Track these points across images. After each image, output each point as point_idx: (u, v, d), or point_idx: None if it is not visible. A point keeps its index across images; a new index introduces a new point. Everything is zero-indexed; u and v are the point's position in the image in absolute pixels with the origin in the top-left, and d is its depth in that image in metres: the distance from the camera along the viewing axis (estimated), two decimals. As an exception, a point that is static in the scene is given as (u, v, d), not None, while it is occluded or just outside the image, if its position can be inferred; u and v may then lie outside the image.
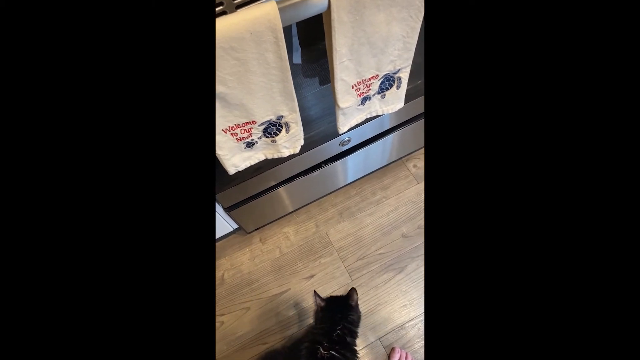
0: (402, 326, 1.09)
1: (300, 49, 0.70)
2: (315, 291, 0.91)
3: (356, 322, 0.88)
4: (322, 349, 0.79)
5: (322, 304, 0.89)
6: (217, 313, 1.16)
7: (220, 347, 1.11)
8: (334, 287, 1.16)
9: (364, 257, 1.20)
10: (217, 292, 1.20)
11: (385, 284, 1.15)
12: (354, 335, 0.86)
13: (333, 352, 0.79)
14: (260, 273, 1.21)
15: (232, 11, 0.50)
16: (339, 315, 0.85)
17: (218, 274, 1.22)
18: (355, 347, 0.85)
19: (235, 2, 0.49)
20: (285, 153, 0.73)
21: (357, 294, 0.89)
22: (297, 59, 0.71)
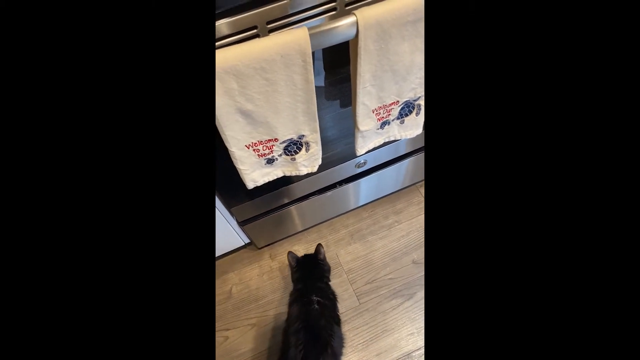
0: (408, 355, 1.06)
1: (324, 73, 0.72)
2: (289, 252, 1.04)
3: (327, 273, 1.04)
4: (316, 296, 0.93)
5: (295, 264, 1.02)
6: (222, 328, 1.15)
7: (222, 362, 1.10)
8: (340, 310, 1.14)
9: (373, 281, 1.19)
10: (223, 306, 1.20)
11: (393, 310, 1.13)
12: (329, 280, 1.04)
13: (320, 300, 0.93)
14: (267, 290, 1.21)
15: (265, 35, 0.53)
16: (313, 271, 1.00)
17: (226, 288, 1.22)
18: (330, 286, 1.02)
19: (268, 26, 0.53)
20: (304, 171, 0.75)
21: (323, 248, 1.03)
22: (320, 82, 0.74)
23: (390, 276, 1.19)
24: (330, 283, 1.03)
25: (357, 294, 1.17)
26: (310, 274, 1.00)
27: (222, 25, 0.50)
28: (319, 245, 1.03)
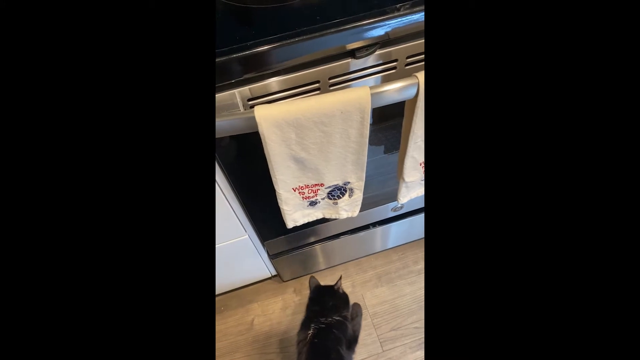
0: (432, 414, 1.00)
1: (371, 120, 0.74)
2: (311, 277, 1.01)
3: (344, 303, 0.96)
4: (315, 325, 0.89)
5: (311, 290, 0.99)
6: (239, 359, 1.14)
7: (238, 397, 1.07)
8: (363, 355, 1.11)
9: (398, 328, 1.15)
10: (243, 337, 1.18)
11: (417, 362, 1.09)
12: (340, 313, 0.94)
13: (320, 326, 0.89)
14: (289, 325, 1.19)
15: (326, 89, 0.55)
16: (325, 299, 0.95)
17: (248, 318, 1.21)
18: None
19: (330, 81, 0.55)
20: (344, 215, 0.75)
21: (340, 280, 0.97)
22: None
23: (416, 325, 1.15)
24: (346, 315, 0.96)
25: (380, 340, 1.13)
26: (321, 302, 0.97)
27: (288, 79, 0.52)
28: (341, 276, 1.00)
